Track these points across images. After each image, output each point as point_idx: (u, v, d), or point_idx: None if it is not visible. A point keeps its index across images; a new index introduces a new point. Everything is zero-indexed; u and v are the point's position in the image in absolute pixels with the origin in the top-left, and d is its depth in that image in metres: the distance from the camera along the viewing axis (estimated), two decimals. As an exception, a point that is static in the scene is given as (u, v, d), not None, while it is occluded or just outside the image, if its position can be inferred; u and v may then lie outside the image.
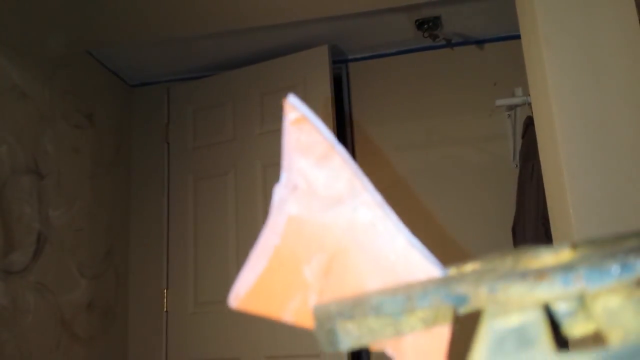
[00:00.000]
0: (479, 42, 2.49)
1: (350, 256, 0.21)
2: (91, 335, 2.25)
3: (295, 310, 0.21)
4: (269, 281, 0.22)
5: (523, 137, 2.14)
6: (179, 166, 2.55)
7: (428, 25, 2.34)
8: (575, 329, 0.17)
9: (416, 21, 2.33)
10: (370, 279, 0.21)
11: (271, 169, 2.36)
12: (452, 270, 0.22)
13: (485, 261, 0.22)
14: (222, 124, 2.50)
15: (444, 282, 0.20)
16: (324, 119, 2.29)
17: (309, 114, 0.22)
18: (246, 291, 0.22)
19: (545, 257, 0.18)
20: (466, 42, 2.49)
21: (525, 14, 1.45)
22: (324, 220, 0.21)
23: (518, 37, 1.56)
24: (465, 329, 0.28)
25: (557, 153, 1.27)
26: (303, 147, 0.22)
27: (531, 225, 1.94)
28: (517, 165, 2.25)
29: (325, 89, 2.31)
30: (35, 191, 2.01)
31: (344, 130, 2.55)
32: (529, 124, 1.99)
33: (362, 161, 2.50)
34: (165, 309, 2.44)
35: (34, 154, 2.02)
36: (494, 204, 2.33)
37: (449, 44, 2.46)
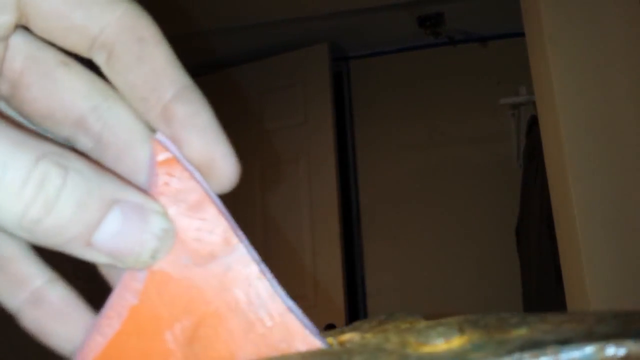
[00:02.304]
0: (482, 40, 2.47)
1: (221, 321, 0.18)
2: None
3: None
4: (122, 348, 0.18)
5: (527, 136, 2.13)
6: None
7: (430, 22, 2.32)
8: None
9: (418, 18, 2.32)
10: (243, 348, 0.18)
11: (271, 170, 2.34)
12: (330, 340, 0.19)
13: (365, 330, 0.20)
14: (221, 123, 2.49)
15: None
16: (324, 118, 2.28)
17: (180, 156, 0.19)
18: (93, 358, 0.18)
19: (437, 343, 0.17)
20: (469, 39, 2.47)
21: (530, 12, 1.44)
22: (192, 278, 0.19)
23: (522, 34, 1.54)
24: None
25: (562, 153, 1.26)
26: (172, 192, 0.19)
27: (535, 226, 1.92)
28: (520, 165, 2.24)
29: (325, 87, 2.30)
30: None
31: (345, 129, 2.53)
32: (533, 123, 1.97)
33: (363, 161, 2.49)
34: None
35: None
36: (498, 204, 2.31)
37: (452, 41, 2.44)
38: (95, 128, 0.20)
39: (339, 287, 2.11)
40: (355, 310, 2.35)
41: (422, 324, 0.19)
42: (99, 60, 0.19)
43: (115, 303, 0.19)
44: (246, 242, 0.20)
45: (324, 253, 2.17)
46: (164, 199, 0.19)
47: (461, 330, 0.17)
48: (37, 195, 0.16)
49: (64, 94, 0.19)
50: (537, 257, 1.87)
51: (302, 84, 2.35)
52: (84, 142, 0.20)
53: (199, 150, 0.20)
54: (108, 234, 0.17)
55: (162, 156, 0.19)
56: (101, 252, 0.17)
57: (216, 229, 0.19)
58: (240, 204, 2.36)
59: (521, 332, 0.16)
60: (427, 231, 2.36)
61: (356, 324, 0.22)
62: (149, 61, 0.20)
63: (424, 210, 2.39)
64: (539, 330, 0.16)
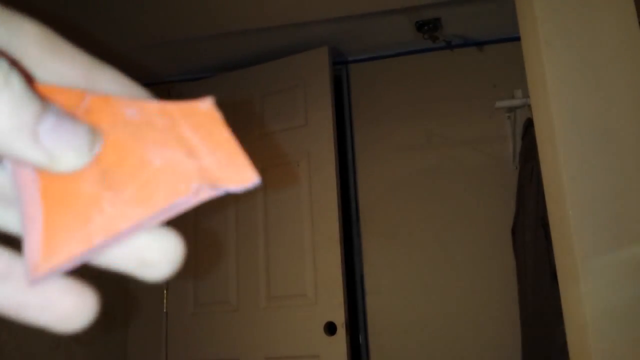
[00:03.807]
0: (479, 44, 2.49)
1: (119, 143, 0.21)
2: (91, 335, 2.25)
3: (101, 226, 0.20)
4: (55, 221, 0.20)
5: (523, 138, 2.15)
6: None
7: (428, 27, 2.34)
8: None
9: (416, 23, 2.34)
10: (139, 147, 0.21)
11: (272, 171, 2.36)
12: None
13: None
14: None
15: None
16: (324, 121, 2.29)
17: None
18: (41, 252, 0.20)
19: None
20: (466, 43, 2.50)
21: (525, 16, 1.46)
22: None
23: (518, 39, 1.56)
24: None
25: (557, 155, 1.28)
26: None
27: (531, 227, 1.95)
28: (517, 167, 2.26)
29: (325, 91, 2.32)
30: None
31: (344, 132, 2.55)
32: (529, 125, 1.99)
33: (362, 162, 2.51)
34: (165, 310, 2.44)
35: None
36: (494, 205, 2.33)
37: (449, 45, 2.47)
38: None
39: (338, 285, 2.12)
40: (355, 309, 2.37)
41: None
42: None
43: (24, 193, 0.20)
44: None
45: (324, 252, 2.18)
46: None
47: None
48: None
49: None
50: (533, 256, 1.89)
51: (303, 87, 2.36)
52: None
53: None
54: (50, 126, 0.19)
55: None
56: (46, 148, 0.19)
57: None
58: (242, 204, 2.38)
59: None
60: (425, 231, 2.38)
61: None
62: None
63: (422, 211, 2.40)
64: None
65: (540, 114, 1.40)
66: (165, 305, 2.44)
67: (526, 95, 1.98)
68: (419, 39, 2.42)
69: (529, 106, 1.70)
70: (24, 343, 1.87)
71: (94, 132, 0.20)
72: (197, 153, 0.21)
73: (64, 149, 0.19)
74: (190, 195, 0.21)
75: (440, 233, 2.37)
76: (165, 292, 2.46)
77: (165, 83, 2.69)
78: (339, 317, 2.10)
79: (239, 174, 0.21)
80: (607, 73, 1.29)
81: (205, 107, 0.22)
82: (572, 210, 1.24)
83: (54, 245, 0.19)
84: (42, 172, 0.20)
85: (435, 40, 2.39)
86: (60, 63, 0.22)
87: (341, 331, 2.09)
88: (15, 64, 0.19)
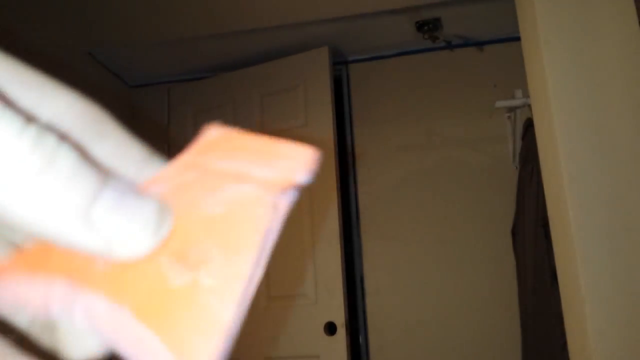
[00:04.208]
0: (479, 44, 2.49)
1: None
2: (91, 335, 2.25)
3: (219, 311, 0.17)
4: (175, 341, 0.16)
5: (523, 138, 2.15)
6: (179, 167, 2.54)
7: (428, 27, 2.34)
8: None
9: (416, 23, 2.34)
10: None
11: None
12: None
13: None
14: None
15: None
16: (324, 121, 2.29)
17: None
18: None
19: None
20: (466, 43, 2.50)
21: (525, 16, 1.46)
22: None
23: (518, 39, 1.56)
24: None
25: (557, 155, 1.28)
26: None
27: (531, 227, 1.95)
28: (517, 167, 2.26)
29: (325, 91, 2.31)
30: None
31: (344, 132, 2.55)
32: (529, 125, 1.99)
33: (362, 163, 2.51)
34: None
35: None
36: (494, 205, 2.33)
37: (449, 45, 2.47)
38: None
39: (338, 285, 2.12)
40: (355, 309, 2.37)
41: None
42: None
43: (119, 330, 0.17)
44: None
45: (324, 252, 2.18)
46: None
47: None
48: (35, 146, 0.15)
49: None
50: (533, 256, 1.89)
51: (303, 87, 2.36)
52: None
53: None
54: (108, 204, 0.16)
55: None
56: (100, 232, 0.16)
57: None
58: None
59: None
60: (425, 231, 2.38)
61: None
62: (109, 137, 0.20)
63: (422, 211, 2.40)
64: None
65: (540, 114, 1.40)
66: (165, 305, 2.44)
67: (526, 95, 1.98)
68: (419, 39, 2.42)
69: (529, 106, 1.71)
70: (23, 343, 1.87)
71: (163, 206, 0.17)
72: (245, 174, 0.19)
73: (125, 232, 0.16)
74: (273, 214, 0.18)
75: (440, 233, 2.37)
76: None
77: (165, 83, 2.69)
78: (339, 317, 2.10)
79: (294, 161, 0.20)
80: (607, 73, 1.29)
81: (216, 134, 0.21)
82: (572, 210, 1.24)
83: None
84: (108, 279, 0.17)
85: (435, 40, 2.39)
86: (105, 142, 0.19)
87: (341, 331, 2.09)
88: (64, 138, 0.16)
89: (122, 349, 0.16)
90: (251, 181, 0.19)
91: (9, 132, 0.15)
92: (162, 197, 0.18)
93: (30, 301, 0.17)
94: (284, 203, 0.19)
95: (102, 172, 0.16)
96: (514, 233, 2.18)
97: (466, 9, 2.27)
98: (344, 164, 2.47)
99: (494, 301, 2.27)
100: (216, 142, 0.21)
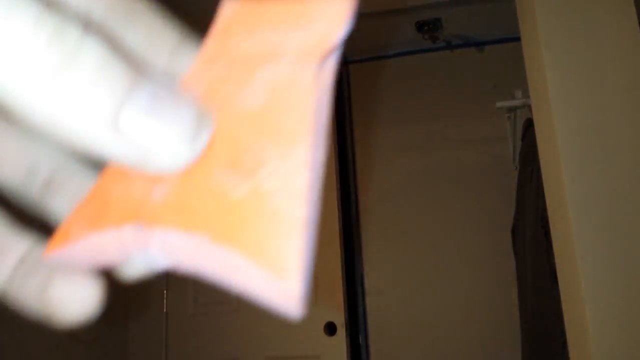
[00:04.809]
0: (479, 44, 2.49)
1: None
2: (91, 335, 2.25)
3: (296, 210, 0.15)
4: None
5: (523, 139, 2.15)
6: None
7: (428, 28, 2.34)
8: None
9: (416, 23, 2.34)
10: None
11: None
12: None
13: None
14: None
15: None
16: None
17: None
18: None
19: None
20: (466, 44, 2.50)
21: (526, 17, 1.46)
22: None
23: (518, 39, 1.56)
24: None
25: (557, 155, 1.28)
26: None
27: (531, 227, 1.95)
28: (517, 167, 2.26)
29: (325, 91, 2.31)
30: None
31: (344, 132, 2.55)
32: (529, 126, 1.99)
33: (362, 162, 2.51)
34: (165, 310, 2.44)
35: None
36: (494, 205, 2.33)
37: (449, 46, 2.47)
38: None
39: (338, 285, 2.12)
40: (355, 309, 2.37)
41: None
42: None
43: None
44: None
45: (324, 252, 2.18)
46: None
47: None
48: (52, 39, 0.13)
49: None
50: (533, 256, 1.89)
51: (302, 87, 2.36)
52: None
53: None
54: (142, 107, 0.14)
55: None
56: (132, 139, 0.14)
57: None
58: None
59: None
60: (425, 231, 2.38)
61: None
62: (142, 23, 0.18)
63: (422, 211, 2.41)
64: None
65: (541, 115, 1.40)
66: (165, 305, 2.44)
67: (526, 95, 1.98)
68: (419, 39, 2.42)
69: (529, 106, 1.71)
70: (24, 343, 1.87)
71: (202, 109, 0.15)
72: (275, 50, 0.17)
73: (162, 139, 0.14)
74: (318, 87, 0.16)
75: (440, 233, 2.37)
76: (165, 292, 2.46)
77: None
78: (339, 317, 2.10)
79: (328, 17, 0.17)
80: (607, 73, 1.29)
81: (232, 9, 0.19)
82: (572, 210, 1.24)
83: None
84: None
85: (435, 40, 2.39)
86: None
87: (341, 331, 2.09)
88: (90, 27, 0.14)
89: (210, 275, 0.16)
90: (285, 56, 0.17)
91: (22, 23, 0.13)
92: (198, 100, 0.16)
93: (105, 255, 0.17)
94: (327, 70, 0.17)
95: (135, 67, 0.14)
96: (514, 233, 2.18)
97: (466, 9, 2.27)
98: (344, 164, 2.47)
99: (493, 301, 2.27)
100: (235, 19, 0.18)
